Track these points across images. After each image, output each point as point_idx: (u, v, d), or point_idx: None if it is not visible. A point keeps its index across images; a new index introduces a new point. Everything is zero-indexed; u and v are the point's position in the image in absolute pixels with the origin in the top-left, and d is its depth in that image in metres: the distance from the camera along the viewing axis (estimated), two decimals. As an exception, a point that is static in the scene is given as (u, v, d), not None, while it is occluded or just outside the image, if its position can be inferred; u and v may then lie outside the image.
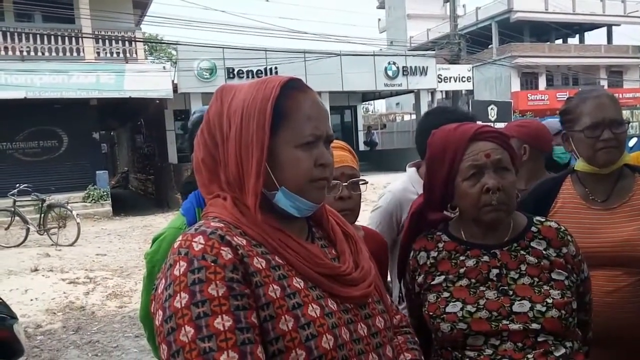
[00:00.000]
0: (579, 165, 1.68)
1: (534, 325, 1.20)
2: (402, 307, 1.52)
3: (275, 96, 0.94)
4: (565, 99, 1.81)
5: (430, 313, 1.29)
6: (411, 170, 2.19)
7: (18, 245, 9.31)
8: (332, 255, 1.04)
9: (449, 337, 1.25)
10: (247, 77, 16.25)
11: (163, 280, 0.86)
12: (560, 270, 1.28)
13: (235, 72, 16.16)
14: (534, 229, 1.34)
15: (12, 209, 9.94)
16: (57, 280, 6.58)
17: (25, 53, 14.53)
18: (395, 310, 1.24)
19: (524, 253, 1.30)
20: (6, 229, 9.75)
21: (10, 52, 14.41)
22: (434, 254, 1.37)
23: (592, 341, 1.43)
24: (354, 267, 1.02)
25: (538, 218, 1.38)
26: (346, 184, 1.51)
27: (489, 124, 2.32)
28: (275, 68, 16.34)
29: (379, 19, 45.54)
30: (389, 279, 1.99)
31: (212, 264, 0.84)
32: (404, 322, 1.24)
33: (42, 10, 15.08)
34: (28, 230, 9.70)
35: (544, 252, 1.30)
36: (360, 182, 1.55)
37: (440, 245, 1.38)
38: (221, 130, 0.97)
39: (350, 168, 1.55)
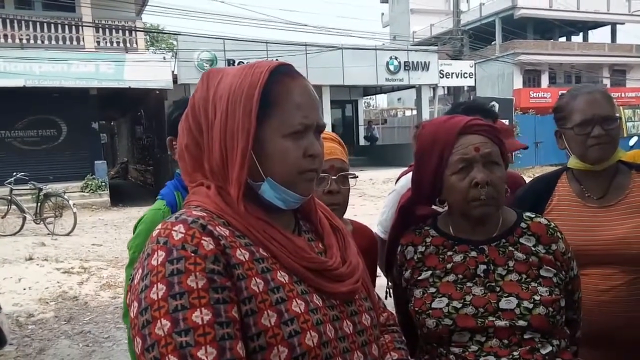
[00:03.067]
0: (572, 162, 1.67)
1: (521, 322, 1.18)
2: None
3: (263, 82, 0.89)
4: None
5: (416, 309, 1.27)
6: None
7: (14, 234, 9.29)
8: (319, 250, 1.00)
9: (434, 333, 1.23)
10: (248, 69, 16.10)
11: (140, 270, 0.82)
12: (549, 267, 1.25)
13: (236, 63, 16.04)
14: (523, 225, 1.31)
15: (9, 198, 9.90)
16: (51, 269, 6.55)
17: (24, 41, 14.45)
18: (382, 308, 1.22)
19: (513, 249, 1.27)
20: (2, 217, 9.73)
21: (9, 40, 14.34)
22: (421, 248, 1.34)
23: (584, 340, 1.40)
24: (341, 262, 0.98)
25: (528, 214, 1.35)
26: (335, 177, 1.47)
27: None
28: (276, 60, 16.21)
29: (382, 14, 45.37)
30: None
31: (192, 254, 0.80)
32: (391, 320, 1.22)
33: (41, -3, 14.99)
34: (24, 219, 9.67)
35: (532, 248, 1.27)
36: (349, 176, 1.50)
37: (428, 240, 1.35)
38: (206, 116, 0.92)
39: (340, 161, 1.51)
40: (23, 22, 14.58)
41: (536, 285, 1.22)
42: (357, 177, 1.58)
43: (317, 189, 1.45)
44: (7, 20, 14.34)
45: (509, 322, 1.18)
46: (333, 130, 18.95)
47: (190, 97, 0.97)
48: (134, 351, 0.79)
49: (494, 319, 1.18)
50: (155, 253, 0.81)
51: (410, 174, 2.16)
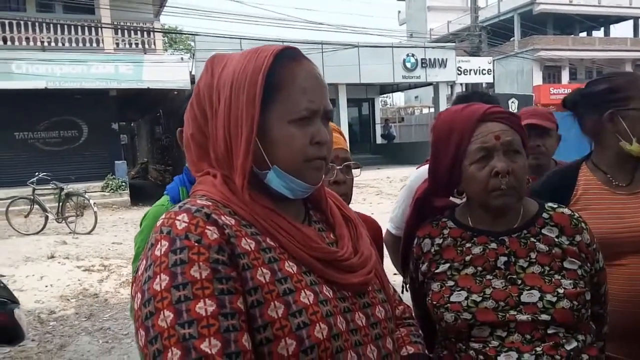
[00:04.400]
0: (635, 147, 1.55)
1: (544, 317, 1.13)
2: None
3: (267, 67, 0.86)
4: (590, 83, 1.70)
5: (434, 302, 1.23)
6: None
7: (37, 233, 9.46)
8: (330, 240, 0.97)
9: (452, 327, 1.19)
10: (265, 68, 16.18)
11: (144, 261, 0.80)
12: (573, 259, 1.20)
13: (253, 63, 16.08)
14: (545, 215, 1.26)
15: (32, 197, 10.09)
16: (72, 267, 6.65)
17: (46, 43, 14.72)
18: (398, 301, 1.18)
19: (534, 240, 1.22)
20: (25, 216, 9.91)
21: (31, 43, 14.62)
22: (438, 241, 1.30)
23: (615, 335, 1.35)
24: (353, 253, 0.95)
25: (550, 204, 1.30)
26: (340, 167, 1.46)
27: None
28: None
29: (399, 11, 45.10)
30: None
31: (196, 244, 0.78)
32: (407, 313, 1.18)
33: (63, 0, 15.24)
34: (47, 218, 9.85)
35: (555, 239, 1.22)
36: (353, 166, 1.50)
37: (446, 232, 1.31)
38: (211, 103, 0.90)
39: (344, 151, 1.50)
40: (44, 25, 14.85)
41: (560, 277, 1.17)
42: (361, 167, 1.57)
43: (324, 178, 1.43)
44: (29, 23, 14.61)
45: (531, 316, 1.13)
46: (349, 129, 18.87)
47: (195, 85, 0.94)
48: (138, 344, 0.77)
49: (515, 313, 1.14)
50: (159, 243, 0.79)
51: (422, 168, 2.15)
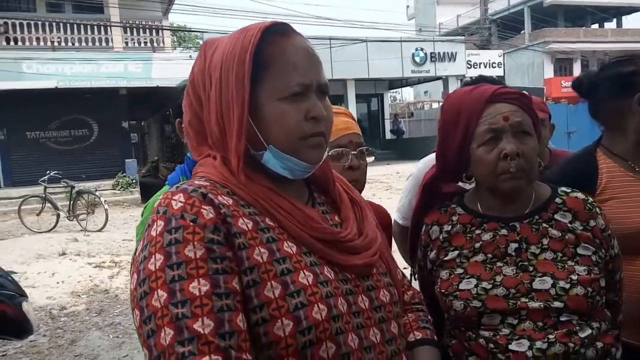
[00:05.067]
0: None
1: (556, 304, 1.09)
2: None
3: (254, 44, 0.84)
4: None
5: (443, 290, 1.20)
6: None
7: (49, 231, 9.55)
8: (335, 222, 0.95)
9: (462, 315, 1.15)
10: (273, 65, 16.20)
11: (141, 242, 0.80)
12: (587, 245, 1.16)
13: (261, 60, 16.10)
14: (558, 200, 1.22)
15: (43, 196, 10.19)
16: (83, 264, 6.70)
17: (56, 43, 14.83)
18: (407, 286, 1.15)
19: (547, 226, 1.18)
20: (38, 215, 10.01)
21: (41, 43, 14.74)
22: (447, 227, 1.26)
23: (634, 321, 1.31)
24: (357, 234, 0.93)
25: (563, 189, 1.25)
26: (355, 152, 1.43)
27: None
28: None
29: (407, 6, 44.79)
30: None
31: (191, 223, 0.77)
32: (416, 298, 1.15)
33: (72, 0, 15.34)
34: (58, 216, 9.94)
35: (569, 225, 1.18)
36: (367, 152, 1.47)
37: (455, 218, 1.27)
38: (204, 88, 0.89)
39: (358, 136, 1.47)
40: (54, 24, 14.95)
41: (573, 264, 1.13)
42: (375, 153, 1.53)
43: (337, 164, 1.41)
44: (39, 24, 14.72)
45: (543, 303, 1.09)
46: (359, 125, 18.88)
47: (190, 72, 0.93)
48: (135, 325, 0.77)
49: (526, 300, 1.10)
50: (155, 223, 0.79)
51: (427, 157, 2.12)
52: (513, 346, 1.09)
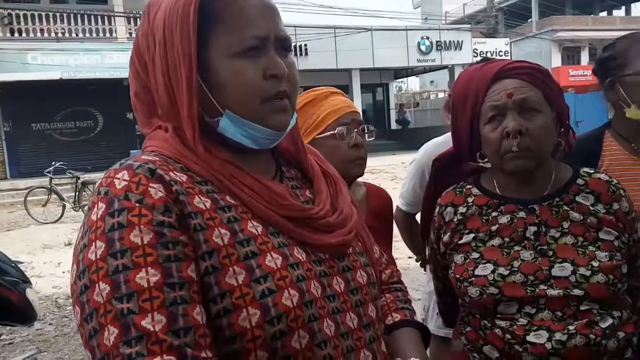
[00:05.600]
0: (633, 112, 1.50)
1: (576, 291, 1.04)
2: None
3: None
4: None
5: (457, 276, 1.15)
6: None
7: (55, 222, 9.59)
8: (306, 198, 0.87)
9: (477, 302, 1.11)
10: (277, 54, 16.17)
11: (81, 229, 0.70)
12: (609, 229, 1.10)
13: (265, 49, 16.06)
14: (580, 181, 1.16)
15: (49, 187, 10.22)
16: (89, 254, 6.72)
17: (60, 34, 14.81)
18: (385, 264, 1.07)
19: (567, 209, 1.12)
20: (43, 205, 10.04)
21: (46, 34, 14.72)
22: (462, 209, 1.21)
23: None
24: (330, 211, 0.84)
25: (586, 169, 1.19)
26: (357, 130, 1.41)
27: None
28: (305, 45, 16.13)
29: (413, -5, 44.39)
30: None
31: (137, 204, 0.67)
32: (395, 277, 1.07)
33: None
34: (64, 207, 9.97)
35: (591, 208, 1.12)
36: (369, 130, 1.46)
37: (470, 199, 1.21)
38: (148, 52, 0.79)
39: (359, 114, 1.45)
40: (58, 15, 14.93)
41: (594, 249, 1.08)
42: (375, 130, 1.51)
43: (342, 142, 1.38)
44: (43, 15, 14.70)
45: (562, 291, 1.04)
46: (364, 115, 18.81)
47: (135, 38, 0.83)
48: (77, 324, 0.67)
49: (545, 287, 1.05)
50: (95, 206, 0.68)
51: (430, 142, 2.09)
52: (531, 337, 1.04)
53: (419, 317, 2.21)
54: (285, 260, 0.74)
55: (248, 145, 0.79)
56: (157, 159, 0.74)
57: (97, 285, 0.64)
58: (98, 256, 0.65)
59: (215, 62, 0.76)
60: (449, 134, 2.03)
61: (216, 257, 0.69)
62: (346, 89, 17.90)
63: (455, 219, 1.21)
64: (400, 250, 3.44)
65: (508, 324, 1.08)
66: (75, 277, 0.66)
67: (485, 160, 1.23)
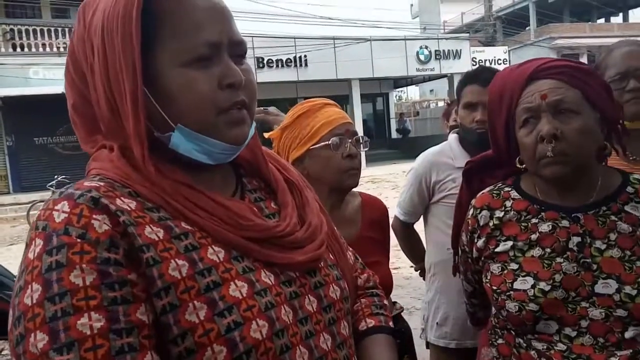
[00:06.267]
0: None
1: (620, 312, 0.97)
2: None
3: None
4: None
5: (494, 287, 1.08)
6: (452, 137, 2.09)
7: (57, 235, 9.60)
8: (271, 211, 0.81)
9: (516, 318, 1.04)
10: (277, 66, 16.23)
11: (19, 269, 0.63)
12: None
13: (265, 61, 16.13)
14: (630, 189, 1.08)
15: (52, 200, 10.25)
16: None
17: (62, 49, 14.91)
18: (360, 269, 1.02)
19: (615, 219, 1.05)
20: (46, 219, 10.07)
21: (48, 48, 14.82)
22: (499, 214, 1.13)
23: None
24: (298, 224, 0.79)
25: (636, 176, 1.11)
26: (351, 140, 1.43)
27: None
28: (305, 56, 16.23)
29: (411, 4, 44.67)
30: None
31: (78, 239, 0.60)
32: (371, 282, 1.02)
33: (76, 6, 15.43)
34: (67, 220, 9.99)
35: None
36: (363, 140, 1.47)
37: (508, 203, 1.13)
38: (86, 59, 0.70)
39: (352, 125, 1.47)
40: (60, 30, 15.04)
41: None
42: (369, 140, 1.52)
43: (336, 153, 1.40)
44: (45, 30, 14.81)
45: (605, 310, 0.98)
46: (364, 125, 18.85)
47: (69, 42, 0.74)
48: None
49: (587, 305, 0.99)
50: (33, 243, 0.62)
51: (428, 150, 2.10)
52: None
53: (418, 327, 2.22)
54: (251, 288, 0.68)
55: (203, 162, 0.72)
56: (102, 184, 0.67)
57: (33, 334, 0.57)
58: (34, 301, 0.58)
59: (163, 71, 0.68)
60: (445, 143, 2.07)
61: (173, 293, 0.63)
62: (346, 99, 17.97)
63: (491, 224, 1.14)
64: (403, 259, 3.45)
65: (545, 347, 1.02)
66: (11, 325, 0.59)
67: (523, 165, 1.16)
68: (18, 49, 14.52)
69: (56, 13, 16.20)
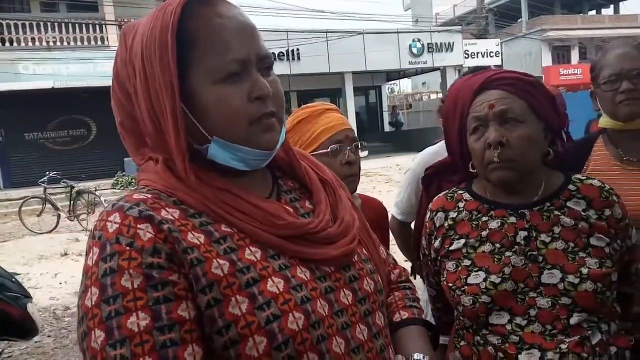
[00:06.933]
0: (603, 122, 1.58)
1: (564, 300, 1.05)
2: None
3: (175, 22, 0.73)
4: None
5: (450, 284, 1.15)
6: None
7: (50, 232, 9.53)
8: (307, 210, 0.87)
9: (470, 312, 1.11)
10: (270, 59, 16.18)
11: (83, 274, 0.72)
12: (601, 236, 1.11)
13: (258, 55, 16.07)
14: (572, 187, 1.16)
15: (44, 197, 10.17)
16: (86, 264, 6.69)
17: (52, 43, 14.77)
18: (393, 265, 1.09)
19: (559, 214, 1.13)
20: (38, 216, 9.99)
21: (37, 43, 14.67)
22: (453, 214, 1.22)
23: None
24: (331, 221, 0.84)
25: (578, 176, 1.20)
26: (350, 147, 1.44)
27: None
28: (298, 49, 16.17)
29: (404, -3, 44.53)
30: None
31: (128, 248, 0.68)
32: (404, 276, 1.09)
33: (66, 0, 15.27)
34: (59, 217, 9.92)
35: (582, 213, 1.13)
36: (361, 146, 1.49)
37: (461, 205, 1.22)
38: (130, 81, 0.78)
39: (352, 131, 1.48)
40: (49, 24, 14.89)
41: (585, 256, 1.08)
42: (367, 147, 1.54)
43: (335, 160, 1.41)
44: (34, 24, 14.66)
45: (551, 299, 1.05)
46: (357, 118, 18.84)
47: (114, 65, 0.82)
48: None
49: (535, 295, 1.06)
50: (91, 251, 0.70)
51: (425, 151, 2.13)
52: (523, 357, 1.05)
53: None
54: (287, 284, 0.74)
55: (240, 168, 0.79)
56: (150, 196, 0.75)
57: (93, 332, 0.66)
58: (93, 303, 0.67)
59: (198, 89, 0.75)
60: (442, 143, 2.07)
61: (217, 289, 0.70)
62: (339, 93, 17.96)
63: (446, 225, 1.21)
64: (399, 260, 3.47)
65: (500, 341, 1.08)
66: (78, 323, 0.69)
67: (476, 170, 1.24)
68: (7, 44, 14.36)
69: (45, 7, 16.04)
